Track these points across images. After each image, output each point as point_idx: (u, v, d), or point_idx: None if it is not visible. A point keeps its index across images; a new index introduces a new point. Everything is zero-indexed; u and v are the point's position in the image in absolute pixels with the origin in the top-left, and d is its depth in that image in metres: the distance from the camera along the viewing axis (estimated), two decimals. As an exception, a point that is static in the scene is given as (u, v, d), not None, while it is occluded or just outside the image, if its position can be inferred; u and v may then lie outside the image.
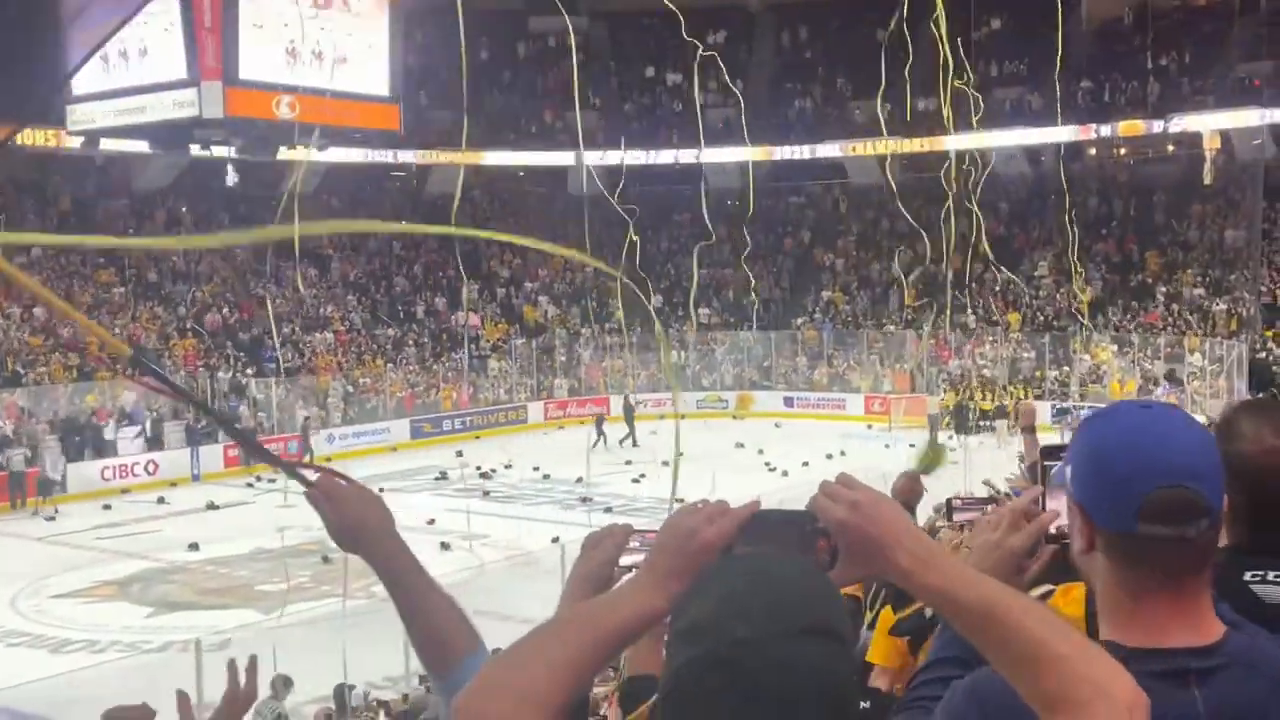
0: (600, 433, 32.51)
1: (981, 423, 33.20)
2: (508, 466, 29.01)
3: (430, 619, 1.84)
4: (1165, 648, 1.45)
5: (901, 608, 3.39)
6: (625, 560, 1.82)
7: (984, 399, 34.21)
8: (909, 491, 5.37)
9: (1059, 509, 1.78)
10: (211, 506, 25.48)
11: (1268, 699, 1.45)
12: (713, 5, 47.58)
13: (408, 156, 41.90)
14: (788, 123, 45.53)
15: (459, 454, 30.98)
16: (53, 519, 24.44)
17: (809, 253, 44.27)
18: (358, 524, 1.85)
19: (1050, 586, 2.69)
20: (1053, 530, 1.79)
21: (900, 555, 1.41)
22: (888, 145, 42.85)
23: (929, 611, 3.16)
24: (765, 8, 48.89)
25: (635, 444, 32.56)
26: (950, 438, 31.43)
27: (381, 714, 11.31)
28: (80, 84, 31.63)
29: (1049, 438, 27.42)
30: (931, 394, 35.77)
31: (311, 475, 1.88)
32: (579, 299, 42.74)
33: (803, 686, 1.21)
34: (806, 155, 44.56)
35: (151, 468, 28.72)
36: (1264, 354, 32.12)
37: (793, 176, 47.23)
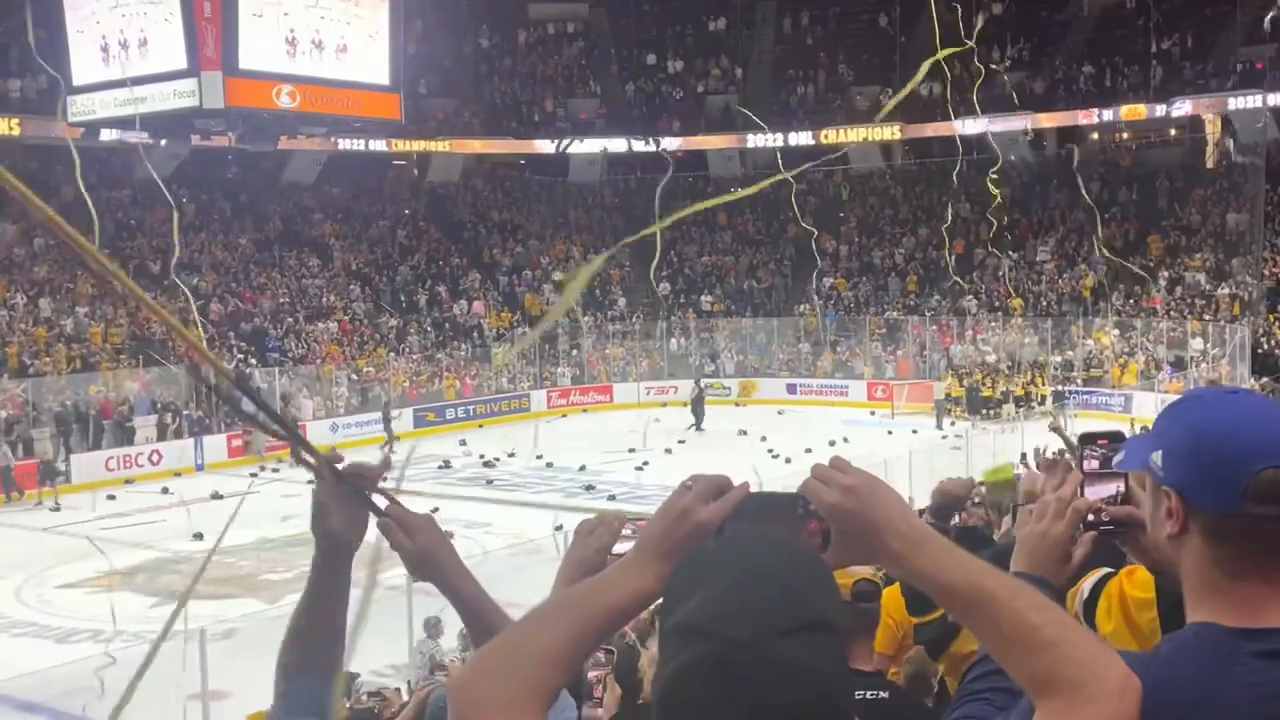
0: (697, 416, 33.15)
1: (986, 409, 33.16)
2: (510, 455, 29.04)
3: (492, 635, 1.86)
4: (1267, 627, 1.45)
5: (921, 612, 3.38)
6: (618, 548, 1.82)
7: (990, 385, 34.16)
8: (953, 497, 5.00)
9: (1103, 492, 1.82)
10: (216, 496, 25.51)
11: None
12: (713, -9, 47.56)
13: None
14: (789, 109, 45.44)
15: (462, 443, 31.03)
16: (57, 509, 24.48)
17: (811, 238, 44.19)
18: (430, 554, 1.95)
19: (1109, 570, 2.68)
20: (1090, 518, 1.81)
21: (891, 539, 1.42)
22: (891, 131, 42.87)
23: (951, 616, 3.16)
24: (766, -6, 48.74)
25: (700, 429, 32.82)
26: (953, 423, 31.46)
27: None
28: (81, 75, 31.69)
29: (1042, 423, 27.43)
30: (933, 380, 35.77)
31: (382, 503, 1.96)
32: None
33: (800, 687, 1.20)
34: (808, 141, 44.48)
35: (156, 458, 28.75)
36: (1267, 339, 32.13)
37: (795, 162, 47.14)
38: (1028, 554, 1.80)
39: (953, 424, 31.36)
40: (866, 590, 3.41)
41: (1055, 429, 7.42)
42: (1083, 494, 1.83)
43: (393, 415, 32.03)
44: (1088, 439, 1.89)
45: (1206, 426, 1.51)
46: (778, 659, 1.20)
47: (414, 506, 2.04)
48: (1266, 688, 1.40)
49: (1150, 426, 1.68)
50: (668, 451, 28.84)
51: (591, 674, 3.67)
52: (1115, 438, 1.89)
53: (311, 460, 1.92)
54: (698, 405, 33.88)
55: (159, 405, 30.42)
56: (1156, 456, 1.55)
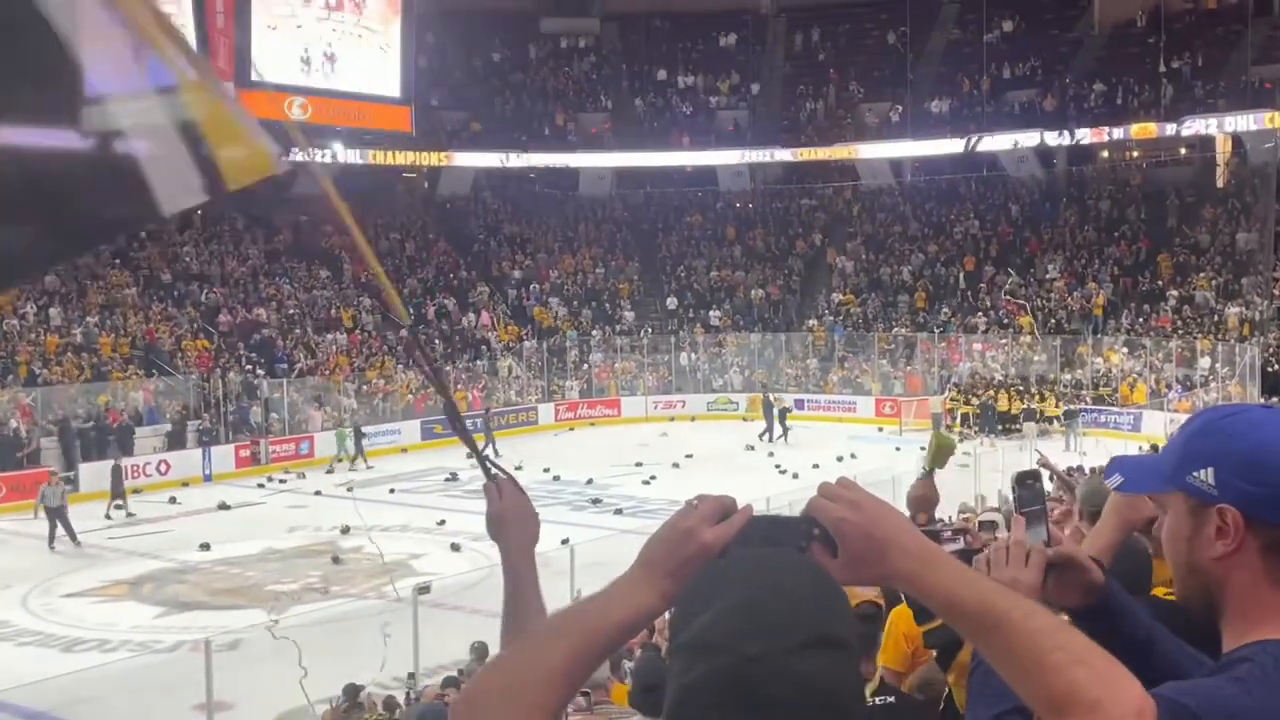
0: (783, 426, 33.21)
1: (1000, 426, 33.03)
2: (518, 468, 28.99)
3: (520, 622, 2.01)
4: None
5: (926, 620, 3.38)
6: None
7: (1006, 402, 34.05)
8: (924, 500, 5.10)
9: (1039, 534, 1.80)
10: (223, 506, 25.55)
11: None
12: (725, 8, 47.69)
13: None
14: (799, 125, 45.53)
15: (470, 455, 30.99)
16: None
17: (820, 254, 44.25)
18: (506, 523, 2.13)
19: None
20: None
21: (900, 557, 1.41)
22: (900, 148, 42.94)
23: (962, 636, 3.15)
24: (778, 10, 48.89)
25: (770, 439, 32.91)
26: (961, 440, 31.38)
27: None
28: (92, 84, 31.79)
29: (1057, 441, 27.29)
30: (935, 395, 35.73)
31: (501, 476, 2.22)
32: (590, 301, 42.77)
33: (813, 701, 1.20)
34: (818, 157, 44.58)
35: (164, 467, 28.78)
36: (1276, 359, 32.04)
37: (804, 179, 47.25)
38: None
39: (961, 440, 31.27)
40: (869, 613, 3.41)
41: (1043, 464, 7.44)
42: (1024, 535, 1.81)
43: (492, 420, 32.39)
44: (1021, 480, 1.88)
45: (1265, 442, 1.51)
46: (791, 673, 1.19)
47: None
48: None
49: (1160, 447, 1.67)
50: (675, 466, 28.83)
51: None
52: (1034, 475, 1.88)
53: (496, 471, 2.22)
54: (768, 413, 33.91)
55: (168, 416, 30.48)
56: (1205, 474, 1.53)
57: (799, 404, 38.18)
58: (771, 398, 34.82)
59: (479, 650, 12.16)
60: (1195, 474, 1.54)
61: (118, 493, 25.10)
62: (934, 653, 3.31)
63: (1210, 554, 1.53)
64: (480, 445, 2.53)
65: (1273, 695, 1.41)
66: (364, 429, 31.71)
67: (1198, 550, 1.55)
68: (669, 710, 1.25)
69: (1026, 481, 1.85)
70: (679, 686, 1.24)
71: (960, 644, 3.15)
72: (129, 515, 24.71)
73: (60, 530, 21.95)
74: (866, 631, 3.40)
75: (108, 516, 24.50)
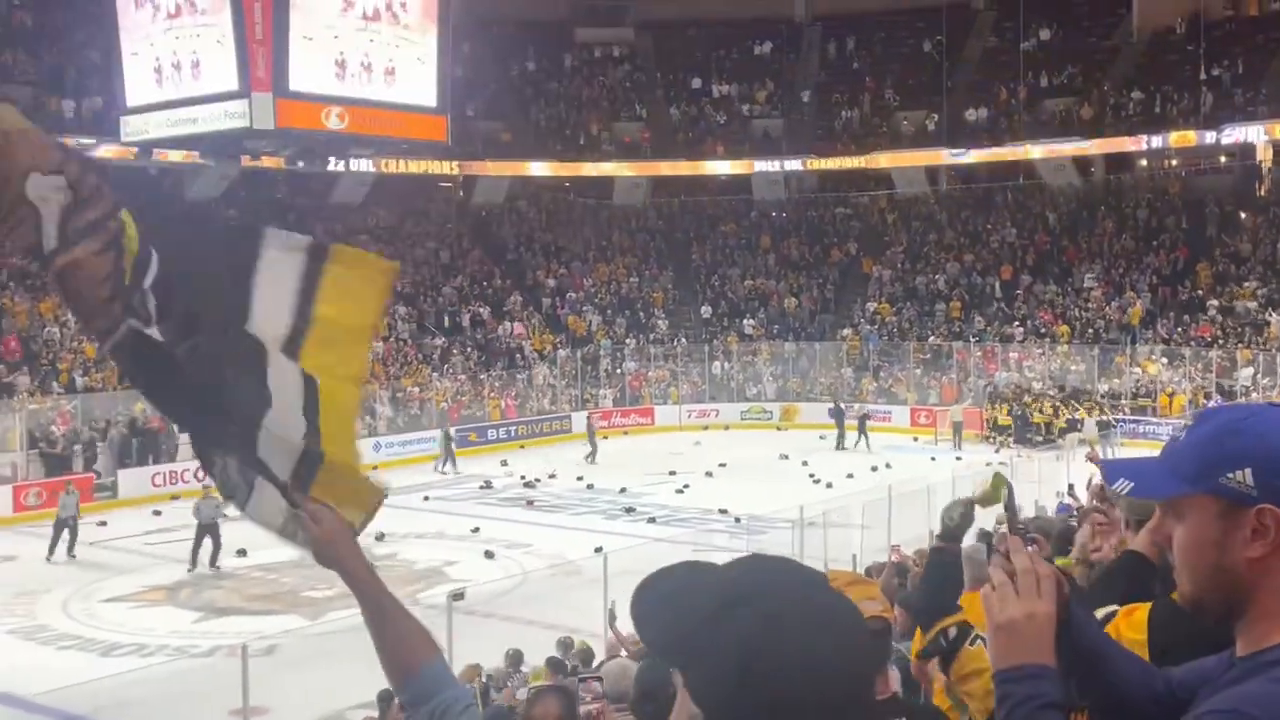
0: (863, 434, 33.34)
1: (1038, 436, 32.72)
2: (552, 476, 29.10)
3: (392, 631, 2.00)
4: None
5: (925, 626, 3.36)
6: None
7: (1043, 412, 33.75)
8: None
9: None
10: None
11: None
12: (760, 16, 47.67)
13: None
14: (834, 133, 45.42)
15: (504, 463, 31.11)
16: (104, 524, 24.75)
17: (855, 263, 44.10)
18: (338, 544, 2.13)
19: (1114, 608, 2.65)
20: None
21: None
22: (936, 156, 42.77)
23: (952, 632, 3.13)
24: (812, 18, 48.82)
25: (843, 447, 32.94)
26: (997, 450, 31.15)
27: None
28: (133, 96, 32.20)
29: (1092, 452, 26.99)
30: (958, 402, 35.53)
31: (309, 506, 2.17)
32: (623, 309, 42.81)
33: (841, 631, 1.33)
34: (853, 165, 44.48)
35: (201, 474, 28.96)
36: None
37: (840, 187, 47.13)
38: (1018, 643, 1.61)
39: (996, 451, 31.06)
40: (879, 628, 3.38)
41: (1092, 459, 7.35)
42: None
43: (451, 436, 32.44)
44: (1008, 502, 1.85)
45: None
46: (823, 606, 1.33)
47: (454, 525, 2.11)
48: None
49: (1170, 449, 1.64)
50: (708, 475, 28.78)
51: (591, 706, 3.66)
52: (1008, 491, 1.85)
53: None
54: (840, 421, 33.89)
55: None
56: (1242, 475, 1.51)
57: (832, 414, 38.03)
58: (843, 405, 34.80)
59: (513, 657, 12.18)
60: (1230, 475, 1.51)
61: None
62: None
63: (1245, 555, 1.51)
64: (441, 461, 2.58)
65: None
66: (451, 432, 32.10)
67: (1229, 553, 1.52)
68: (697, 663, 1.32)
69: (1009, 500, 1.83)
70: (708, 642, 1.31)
71: (954, 654, 3.13)
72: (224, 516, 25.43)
73: (58, 541, 21.41)
74: (878, 645, 3.36)
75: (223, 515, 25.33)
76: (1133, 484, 1.64)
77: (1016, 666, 1.59)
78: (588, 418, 34.43)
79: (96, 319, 2.19)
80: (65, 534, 21.54)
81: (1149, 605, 2.60)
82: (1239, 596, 1.53)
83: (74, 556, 21.46)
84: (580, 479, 28.65)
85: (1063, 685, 1.60)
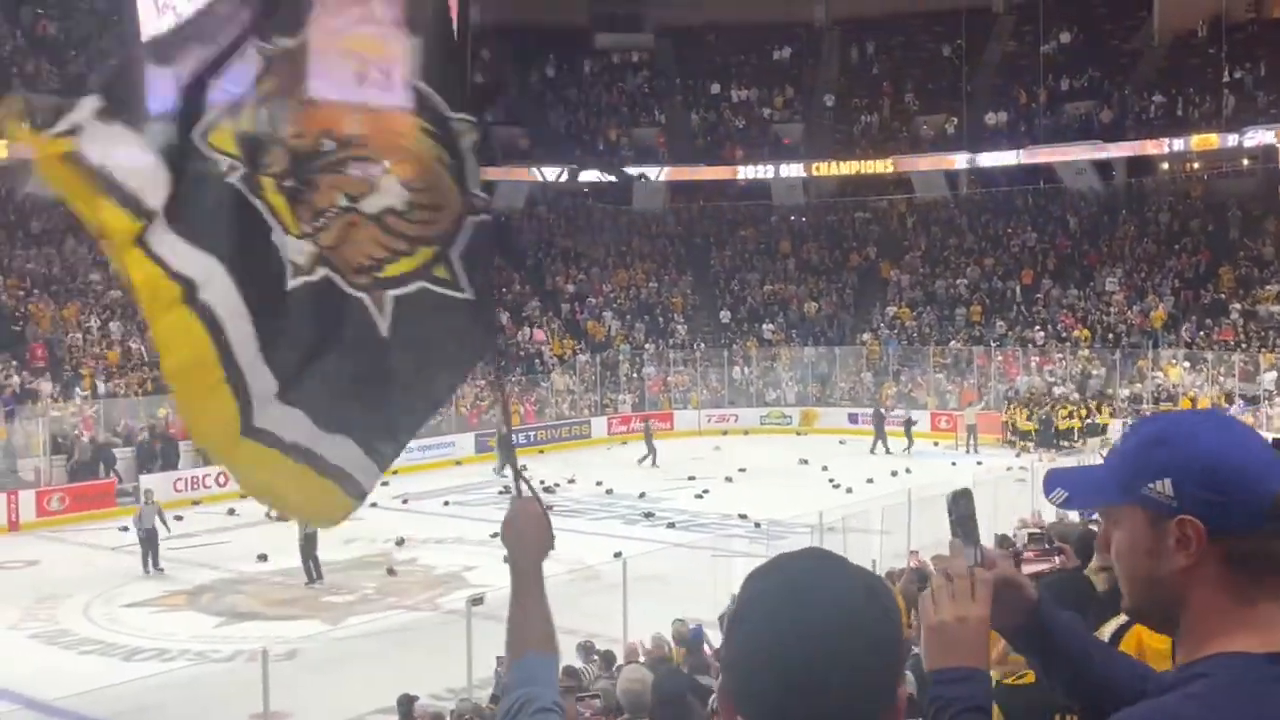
0: (909, 437, 33.46)
1: (1063, 441, 32.58)
2: (571, 481, 29.10)
3: (520, 615, 2.16)
4: None
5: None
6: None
7: (1069, 417, 33.61)
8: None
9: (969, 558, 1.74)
10: (280, 519, 25.82)
11: None
12: (779, 21, 47.66)
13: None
14: (854, 138, 45.35)
15: (523, 468, 31.08)
16: (126, 529, 24.86)
17: (875, 268, 44.01)
18: (524, 533, 2.28)
19: (1125, 619, 2.62)
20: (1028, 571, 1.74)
21: None
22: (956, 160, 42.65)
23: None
24: (831, 23, 48.78)
25: (884, 450, 32.99)
26: (1018, 455, 31.01)
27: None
28: (155, 104, 32.34)
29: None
30: (972, 405, 35.44)
31: (527, 491, 2.46)
32: (643, 315, 42.81)
33: (854, 599, 1.35)
34: (873, 170, 44.43)
35: (222, 480, 29.11)
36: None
37: (859, 191, 47.07)
38: (949, 645, 1.64)
39: (1017, 455, 30.92)
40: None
41: None
42: (978, 560, 1.74)
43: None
44: (955, 501, 1.82)
45: (1223, 450, 1.48)
46: (846, 576, 1.36)
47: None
48: None
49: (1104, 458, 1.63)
50: (728, 480, 28.74)
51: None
52: (965, 494, 1.83)
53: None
54: (879, 426, 33.93)
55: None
56: (1162, 485, 1.50)
57: (852, 418, 37.99)
58: (883, 410, 34.83)
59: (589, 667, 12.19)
60: (1152, 485, 1.50)
61: None
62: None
63: (1171, 567, 1.50)
64: (500, 464, 2.89)
65: (1232, 711, 1.39)
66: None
67: (1160, 564, 1.51)
68: (732, 617, 1.37)
69: (960, 502, 1.79)
70: (745, 597, 1.38)
71: None
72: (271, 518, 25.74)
73: (149, 554, 21.14)
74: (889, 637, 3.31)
75: (268, 516, 25.60)
76: (1068, 493, 1.63)
77: (946, 669, 1.62)
78: (646, 423, 34.60)
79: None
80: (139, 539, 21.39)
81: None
82: (1172, 607, 1.52)
83: (161, 570, 20.98)
84: (599, 484, 28.64)
85: (986, 689, 1.63)
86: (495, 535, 2.47)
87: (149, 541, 21.10)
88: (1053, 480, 1.66)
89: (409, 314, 2.68)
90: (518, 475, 2.58)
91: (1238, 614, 1.46)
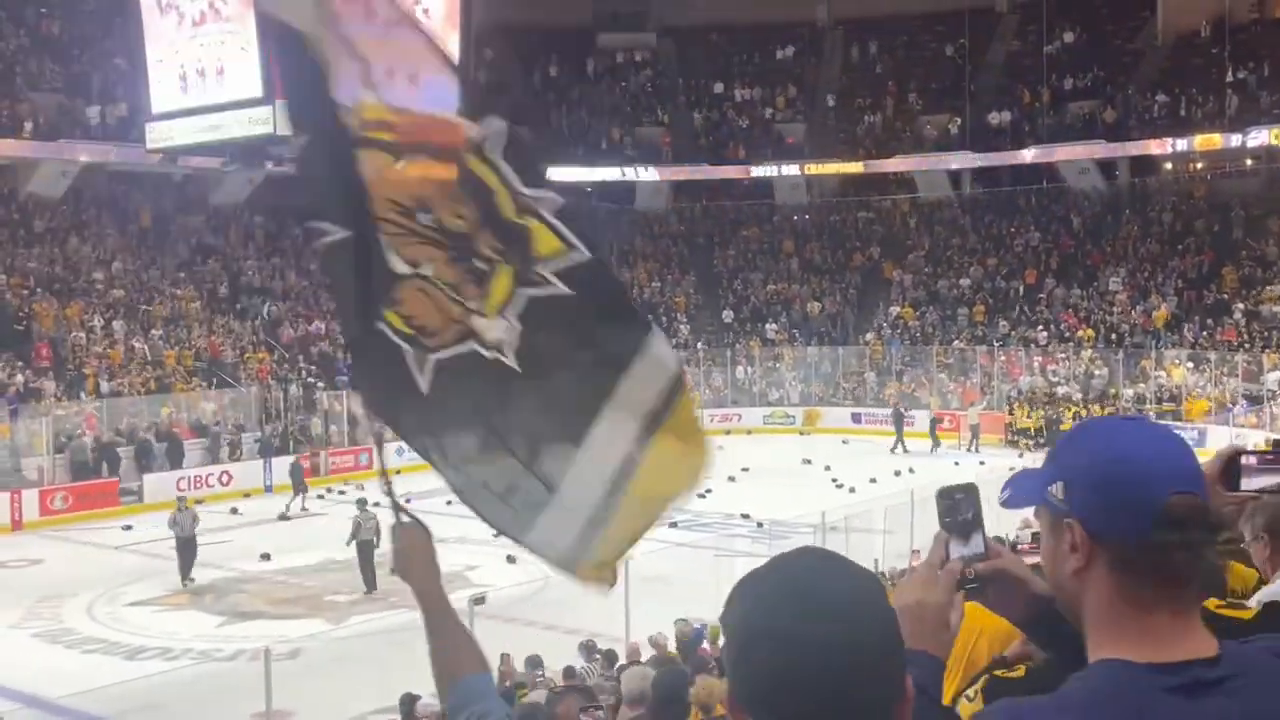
0: (934, 437, 33.72)
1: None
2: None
3: (442, 645, 2.14)
4: (1175, 661, 1.42)
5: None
6: None
7: (1072, 418, 33.57)
8: None
9: (974, 548, 1.75)
10: (283, 517, 25.87)
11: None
12: (782, 21, 47.63)
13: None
14: (857, 137, 45.33)
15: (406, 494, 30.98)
16: (129, 528, 24.91)
17: (878, 267, 43.99)
18: (413, 561, 2.25)
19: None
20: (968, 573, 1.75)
21: None
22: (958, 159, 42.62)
23: None
24: (834, 23, 48.75)
25: (903, 450, 33.04)
26: (1020, 455, 31.00)
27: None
28: (159, 103, 32.41)
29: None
30: (974, 405, 35.45)
31: (406, 519, 2.32)
32: (645, 314, 42.70)
33: (860, 603, 1.33)
34: (876, 169, 44.44)
35: (225, 479, 29.18)
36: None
37: (862, 191, 47.04)
38: (906, 629, 1.65)
39: (1020, 455, 30.89)
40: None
41: None
42: (948, 554, 1.75)
43: None
44: (945, 494, 1.83)
45: (1112, 453, 1.48)
46: (848, 578, 1.35)
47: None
48: None
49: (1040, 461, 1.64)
50: (731, 480, 28.72)
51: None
52: (963, 489, 1.83)
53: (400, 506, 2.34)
54: (899, 426, 34.05)
55: (231, 426, 30.93)
56: (1057, 488, 1.51)
57: (855, 418, 37.99)
58: (903, 409, 34.90)
59: (533, 662, 12.20)
60: (1051, 488, 1.52)
61: (299, 489, 26.66)
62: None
63: (1067, 569, 1.50)
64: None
65: (1088, 716, 1.39)
66: None
67: (1060, 566, 1.52)
68: (734, 627, 1.35)
69: (954, 495, 1.80)
70: (747, 604, 1.35)
71: None
72: (304, 510, 26.21)
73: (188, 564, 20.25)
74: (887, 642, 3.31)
75: (302, 508, 26.16)
76: (1009, 493, 1.65)
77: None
78: (896, 407, 34.85)
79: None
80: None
81: None
82: (1076, 610, 1.52)
83: (192, 580, 20.17)
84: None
85: (933, 672, 1.66)
86: (498, 535, 2.46)
87: (186, 550, 20.11)
88: (1010, 479, 1.68)
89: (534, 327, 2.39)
90: (394, 500, 2.42)
91: (1128, 621, 1.46)
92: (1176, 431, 1.55)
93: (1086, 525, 1.47)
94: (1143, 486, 1.44)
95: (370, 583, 19.00)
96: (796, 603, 1.31)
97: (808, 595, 1.32)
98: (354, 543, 19.12)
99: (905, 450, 32.87)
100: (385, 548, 18.56)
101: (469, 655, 2.13)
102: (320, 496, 27.87)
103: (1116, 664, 1.43)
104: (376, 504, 17.76)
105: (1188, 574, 1.45)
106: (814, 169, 44.90)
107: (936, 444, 33.42)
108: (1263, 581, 3.38)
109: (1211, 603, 3.02)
